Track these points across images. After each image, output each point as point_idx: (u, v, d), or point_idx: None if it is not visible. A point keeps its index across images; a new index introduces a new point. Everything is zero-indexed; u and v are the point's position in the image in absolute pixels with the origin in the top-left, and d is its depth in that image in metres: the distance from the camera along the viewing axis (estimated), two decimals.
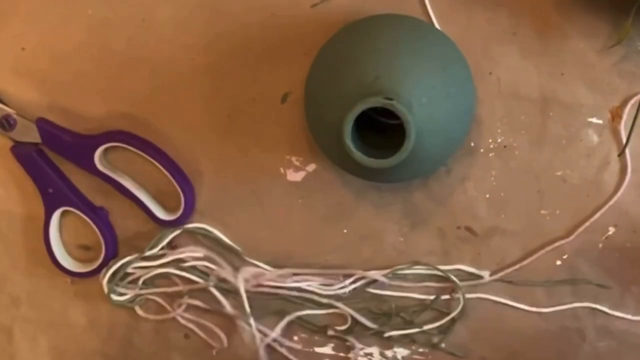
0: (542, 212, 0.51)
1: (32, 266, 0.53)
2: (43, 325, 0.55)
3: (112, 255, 0.52)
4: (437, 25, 0.47)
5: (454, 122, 0.44)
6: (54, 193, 0.50)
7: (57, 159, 0.50)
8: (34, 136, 0.48)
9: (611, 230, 0.51)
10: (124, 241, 0.52)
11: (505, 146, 0.50)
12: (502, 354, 0.53)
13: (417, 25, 0.44)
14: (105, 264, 0.51)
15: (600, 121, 0.49)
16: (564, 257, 0.51)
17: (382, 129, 0.45)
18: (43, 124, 0.49)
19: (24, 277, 0.54)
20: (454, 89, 0.43)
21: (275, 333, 0.51)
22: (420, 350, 0.53)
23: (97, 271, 0.51)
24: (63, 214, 0.51)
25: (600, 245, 0.51)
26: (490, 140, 0.49)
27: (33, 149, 0.49)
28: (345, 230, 0.52)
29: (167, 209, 0.51)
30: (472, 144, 0.49)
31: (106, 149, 0.49)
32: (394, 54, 0.42)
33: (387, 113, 0.40)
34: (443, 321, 0.51)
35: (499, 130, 0.49)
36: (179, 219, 0.50)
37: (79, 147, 0.49)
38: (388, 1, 0.47)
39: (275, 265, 0.52)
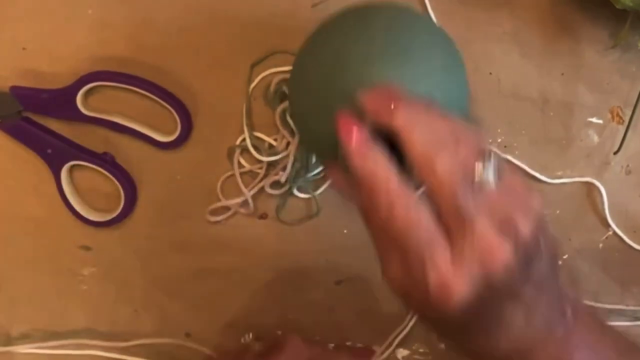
0: None
1: (32, 266, 0.53)
2: (43, 325, 0.55)
3: (132, 193, 0.51)
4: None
5: None
6: (54, 152, 0.50)
7: (46, 122, 0.50)
8: (14, 106, 0.49)
9: (611, 230, 0.51)
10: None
11: (505, 146, 0.50)
12: None
13: (414, 20, 0.39)
14: (128, 204, 0.51)
15: (600, 121, 0.49)
16: (564, 257, 0.51)
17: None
18: (18, 90, 0.49)
19: (24, 277, 0.54)
20: (451, 92, 0.39)
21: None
22: (421, 350, 0.54)
23: (125, 213, 0.51)
24: (71, 170, 0.51)
25: (600, 245, 0.51)
26: (490, 140, 0.49)
27: (18, 118, 0.50)
28: (345, 231, 0.52)
29: (165, 132, 0.50)
30: None
31: (86, 93, 0.49)
32: (387, 53, 0.36)
33: None
34: None
35: (499, 130, 0.49)
36: (181, 135, 0.50)
37: (59, 100, 0.49)
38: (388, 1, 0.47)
39: (276, 262, 0.52)
